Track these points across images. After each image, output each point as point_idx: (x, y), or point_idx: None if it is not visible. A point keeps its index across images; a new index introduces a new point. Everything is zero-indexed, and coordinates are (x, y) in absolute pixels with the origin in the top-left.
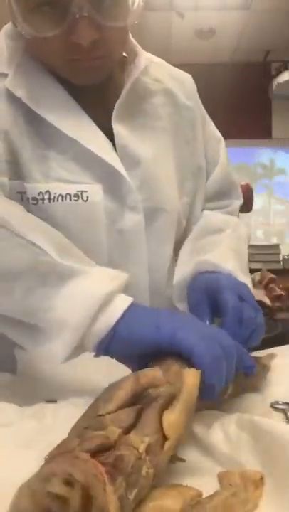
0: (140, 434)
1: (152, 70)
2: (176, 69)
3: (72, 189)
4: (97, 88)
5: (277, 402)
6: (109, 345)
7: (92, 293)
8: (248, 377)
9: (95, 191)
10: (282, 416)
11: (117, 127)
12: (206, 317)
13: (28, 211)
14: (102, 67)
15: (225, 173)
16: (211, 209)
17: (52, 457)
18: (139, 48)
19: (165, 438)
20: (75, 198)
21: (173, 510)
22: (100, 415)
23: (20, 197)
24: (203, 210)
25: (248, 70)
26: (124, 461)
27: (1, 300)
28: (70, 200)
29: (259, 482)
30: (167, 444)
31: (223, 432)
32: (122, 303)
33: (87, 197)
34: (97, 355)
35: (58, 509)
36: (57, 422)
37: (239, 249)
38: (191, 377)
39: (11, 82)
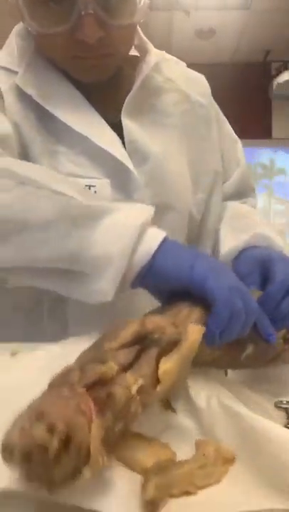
0: (135, 375)
1: (165, 68)
2: (190, 70)
3: (81, 184)
4: (108, 85)
5: (281, 402)
6: (145, 276)
7: (129, 224)
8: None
9: (103, 186)
10: (284, 415)
11: (126, 122)
12: (254, 286)
13: None
14: (108, 65)
15: (244, 174)
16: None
17: (51, 387)
18: (150, 46)
19: (158, 381)
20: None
21: (141, 465)
22: (103, 350)
23: None
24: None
25: (248, 70)
26: (116, 398)
27: (38, 252)
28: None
29: (229, 461)
30: (159, 388)
31: (206, 402)
32: (158, 234)
33: (95, 192)
34: (134, 287)
35: (39, 452)
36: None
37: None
38: (194, 333)
39: (21, 80)
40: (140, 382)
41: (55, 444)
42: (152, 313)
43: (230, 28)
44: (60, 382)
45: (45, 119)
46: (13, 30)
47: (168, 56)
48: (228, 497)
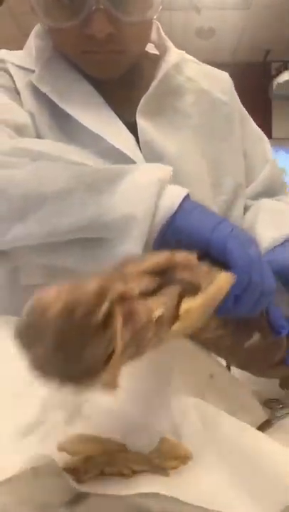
0: (156, 303)
1: (185, 68)
2: (213, 68)
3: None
4: (126, 83)
5: (271, 400)
6: (167, 234)
7: (147, 182)
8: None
9: None
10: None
11: (141, 122)
12: None
13: None
14: (118, 62)
15: (274, 172)
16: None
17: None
18: (170, 44)
19: (177, 319)
20: None
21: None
22: (123, 273)
23: None
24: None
25: (248, 70)
26: (138, 316)
27: (58, 224)
28: None
29: (183, 458)
30: (176, 326)
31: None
32: (180, 191)
33: None
34: (156, 247)
35: (82, 315)
36: None
37: None
38: (224, 280)
39: (37, 78)
40: (162, 310)
41: (104, 309)
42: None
43: (230, 28)
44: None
45: (59, 118)
46: (33, 31)
47: (188, 56)
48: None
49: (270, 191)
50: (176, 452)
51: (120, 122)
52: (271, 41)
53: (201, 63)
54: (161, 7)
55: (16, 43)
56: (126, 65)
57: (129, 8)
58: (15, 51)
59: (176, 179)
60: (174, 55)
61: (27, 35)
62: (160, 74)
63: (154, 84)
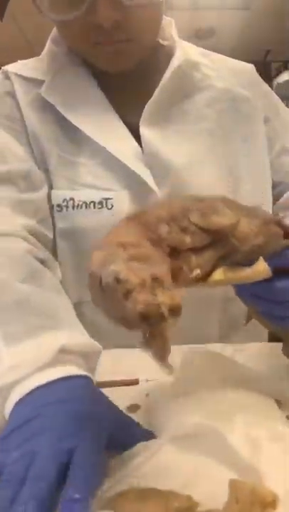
0: (198, 264)
1: (203, 64)
2: (235, 60)
3: (97, 196)
4: (141, 77)
5: None
6: None
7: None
8: None
9: (121, 199)
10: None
11: (146, 132)
12: None
13: (53, 220)
14: (129, 52)
15: None
16: None
17: (137, 222)
18: (180, 43)
19: (205, 279)
20: (99, 206)
21: None
22: (188, 220)
23: (51, 205)
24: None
25: None
26: (182, 275)
27: None
28: (94, 207)
29: (269, 505)
30: (201, 284)
31: (245, 435)
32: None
33: (112, 205)
34: None
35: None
36: None
37: None
38: (259, 270)
39: (46, 88)
40: (197, 272)
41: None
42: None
43: (230, 28)
44: (152, 227)
45: (66, 129)
46: (49, 37)
47: (207, 52)
48: None
49: None
50: (260, 497)
51: (127, 133)
52: (271, 41)
53: (224, 57)
54: None
55: (17, 43)
56: (137, 55)
57: None
58: (28, 60)
59: (183, 191)
60: (182, 53)
61: (27, 35)
62: (165, 77)
63: (158, 89)
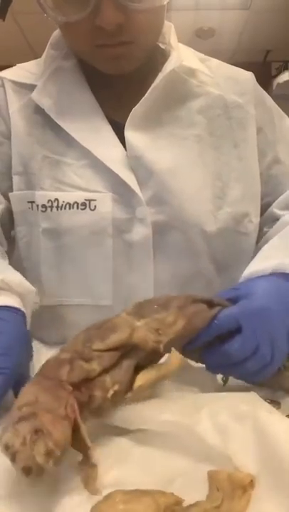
0: (114, 379)
1: (200, 71)
2: (234, 67)
3: (80, 197)
4: (140, 79)
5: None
6: None
7: None
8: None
9: (104, 201)
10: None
11: (130, 136)
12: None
13: (37, 220)
14: (130, 55)
15: None
16: None
17: (43, 376)
18: (177, 47)
19: (131, 389)
20: (82, 207)
21: None
22: (91, 349)
23: (31, 206)
24: (272, 217)
25: (248, 70)
26: (95, 401)
27: None
28: (78, 208)
29: (248, 486)
30: (130, 394)
31: (212, 422)
32: None
33: (95, 206)
34: None
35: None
36: None
37: None
38: (174, 363)
39: (37, 92)
40: (116, 387)
41: (51, 465)
42: (141, 310)
43: (230, 28)
44: (52, 374)
45: (56, 131)
46: (49, 41)
47: (205, 57)
48: None
49: None
50: (239, 482)
51: (114, 136)
52: (271, 41)
53: (223, 63)
54: None
55: (17, 43)
56: (139, 57)
57: None
58: (26, 63)
59: (166, 195)
60: (177, 59)
61: (27, 35)
62: (156, 82)
63: (147, 94)
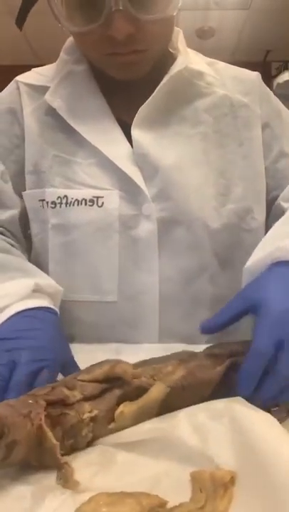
0: (93, 406)
1: (208, 74)
2: (241, 69)
3: (88, 194)
4: (145, 85)
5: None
6: None
7: None
8: None
9: (111, 198)
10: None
11: (136, 134)
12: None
13: (47, 216)
14: (142, 62)
15: None
16: None
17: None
18: (184, 50)
19: (113, 419)
20: (90, 204)
21: None
22: (75, 379)
23: (42, 204)
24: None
25: (248, 69)
26: (66, 419)
27: None
28: (86, 205)
29: (229, 483)
30: (112, 425)
31: (190, 424)
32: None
33: (103, 203)
34: None
35: None
36: None
37: None
38: (156, 392)
39: (50, 94)
40: (95, 412)
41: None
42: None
43: (230, 28)
44: (32, 393)
45: (66, 132)
46: (63, 47)
47: (213, 61)
48: None
49: None
50: (220, 480)
51: (121, 135)
52: (271, 41)
53: (229, 66)
54: (180, 4)
55: (17, 43)
56: (149, 63)
57: (148, 7)
58: (41, 68)
59: (171, 191)
60: (184, 61)
61: (28, 35)
62: (162, 82)
63: (153, 94)
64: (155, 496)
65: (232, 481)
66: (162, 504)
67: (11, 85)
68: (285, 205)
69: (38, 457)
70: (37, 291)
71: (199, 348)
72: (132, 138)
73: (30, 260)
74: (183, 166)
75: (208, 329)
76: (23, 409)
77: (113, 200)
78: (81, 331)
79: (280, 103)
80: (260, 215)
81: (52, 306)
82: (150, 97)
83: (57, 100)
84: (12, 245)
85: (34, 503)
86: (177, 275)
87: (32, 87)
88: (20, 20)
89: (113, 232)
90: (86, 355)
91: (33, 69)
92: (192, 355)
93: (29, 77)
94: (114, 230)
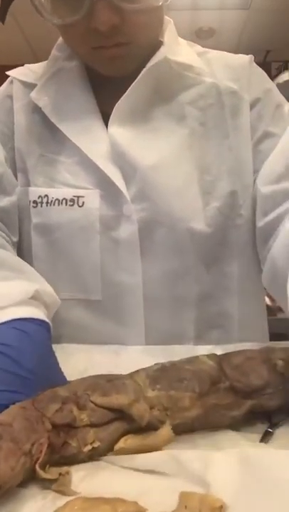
0: (96, 436)
1: (197, 63)
2: (234, 55)
3: (69, 194)
4: (131, 79)
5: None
6: None
7: None
8: None
9: (92, 197)
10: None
11: (113, 132)
12: None
13: (29, 215)
14: (127, 56)
15: None
16: (274, 192)
17: (34, 400)
18: (169, 40)
19: (113, 448)
20: (71, 203)
21: None
22: (88, 398)
23: (27, 202)
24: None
25: None
26: (67, 450)
27: None
28: (66, 204)
29: (217, 510)
30: (109, 454)
31: (196, 453)
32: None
33: (83, 202)
34: None
35: None
36: None
37: None
38: (162, 440)
39: (36, 92)
40: (96, 444)
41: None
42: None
43: (230, 28)
44: (41, 406)
45: (52, 130)
46: (56, 44)
47: (205, 50)
48: None
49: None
50: (209, 503)
51: (104, 133)
52: (271, 41)
53: (224, 53)
54: None
55: (17, 43)
56: (136, 58)
57: None
58: (33, 64)
59: (150, 192)
60: (164, 52)
61: (27, 35)
62: (137, 78)
63: (129, 89)
64: (133, 502)
65: (221, 509)
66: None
67: (8, 80)
68: (262, 188)
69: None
70: (35, 298)
71: (201, 350)
72: (109, 136)
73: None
74: (164, 165)
75: None
76: (26, 442)
77: (94, 199)
78: (68, 331)
79: (272, 84)
80: (247, 210)
81: (46, 320)
82: (127, 91)
83: (43, 98)
84: (6, 241)
85: (15, 507)
86: (161, 276)
87: (23, 83)
88: (1, 15)
89: (94, 233)
90: (84, 355)
91: (26, 65)
92: (215, 380)
93: (22, 74)
94: (95, 230)
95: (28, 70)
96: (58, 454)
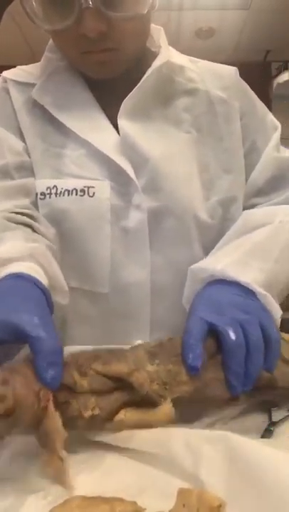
0: (97, 403)
1: (188, 70)
2: (221, 65)
3: (80, 184)
4: (131, 80)
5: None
6: None
7: None
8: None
9: (103, 188)
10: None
11: (123, 124)
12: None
13: (36, 207)
14: (114, 61)
15: (275, 163)
16: (260, 204)
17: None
18: (165, 46)
19: (112, 418)
20: (81, 193)
21: None
22: (89, 366)
23: (35, 195)
24: (246, 208)
25: (248, 69)
26: (68, 409)
27: None
28: (76, 194)
29: (216, 509)
30: (109, 425)
31: (187, 444)
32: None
33: (94, 193)
34: None
35: None
36: None
37: (275, 241)
38: (162, 414)
39: (37, 90)
40: (96, 412)
41: (1, 409)
42: (147, 356)
43: (230, 28)
44: None
45: (54, 125)
46: (47, 46)
47: (195, 59)
48: None
49: (271, 187)
50: (207, 502)
51: (111, 127)
52: (271, 41)
53: (211, 63)
54: (152, 1)
55: (16, 43)
56: (123, 64)
57: (118, 5)
58: (26, 66)
59: (161, 182)
60: (165, 56)
61: (26, 35)
62: (145, 76)
63: (136, 87)
64: (132, 502)
65: (219, 508)
66: (138, 509)
67: (1, 79)
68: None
69: (36, 437)
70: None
71: None
72: (120, 127)
73: None
74: (170, 157)
75: (197, 369)
76: (36, 384)
77: (104, 190)
78: (73, 318)
79: (257, 98)
80: (239, 210)
81: (47, 287)
82: (135, 88)
83: (44, 96)
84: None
85: (14, 505)
86: (168, 266)
87: (18, 83)
88: None
89: (105, 223)
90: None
91: (18, 66)
92: (212, 354)
93: (15, 74)
94: (105, 220)
95: (21, 70)
96: (59, 412)
